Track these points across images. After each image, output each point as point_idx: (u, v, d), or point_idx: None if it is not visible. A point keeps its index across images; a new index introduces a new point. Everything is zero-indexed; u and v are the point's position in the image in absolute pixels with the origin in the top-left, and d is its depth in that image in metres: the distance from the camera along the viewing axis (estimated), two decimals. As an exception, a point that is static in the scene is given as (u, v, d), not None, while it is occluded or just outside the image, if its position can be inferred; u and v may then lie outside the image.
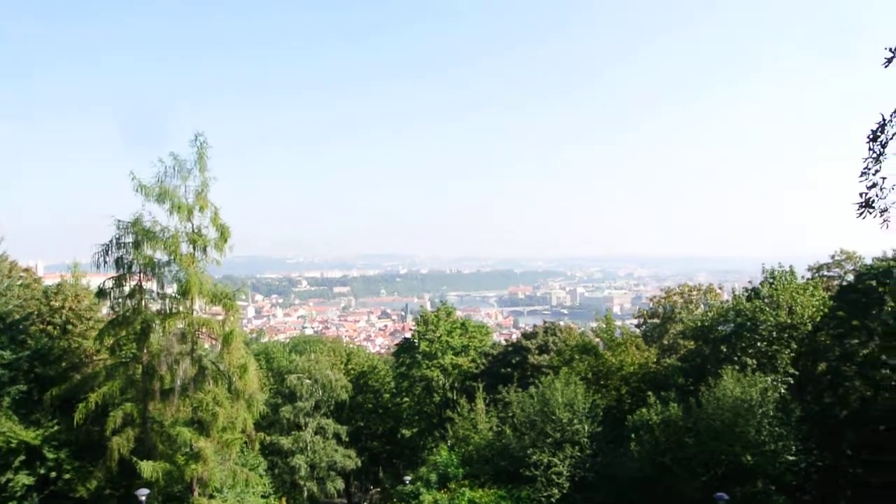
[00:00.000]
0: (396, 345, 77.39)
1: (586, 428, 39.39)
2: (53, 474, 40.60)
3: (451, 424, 48.88)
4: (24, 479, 39.59)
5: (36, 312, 46.13)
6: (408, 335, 72.82)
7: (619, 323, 61.18)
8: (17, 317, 43.70)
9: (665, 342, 55.73)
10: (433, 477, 41.52)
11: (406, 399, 66.30)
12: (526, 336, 62.13)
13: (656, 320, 59.18)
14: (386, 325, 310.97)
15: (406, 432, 65.32)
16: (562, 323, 67.18)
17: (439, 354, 63.31)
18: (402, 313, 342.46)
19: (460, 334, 65.82)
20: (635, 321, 63.84)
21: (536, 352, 56.94)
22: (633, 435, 38.55)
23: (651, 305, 61.72)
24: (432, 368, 62.64)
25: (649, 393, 41.05)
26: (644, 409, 39.42)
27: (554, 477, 37.81)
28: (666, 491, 35.97)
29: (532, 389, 42.71)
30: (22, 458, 39.85)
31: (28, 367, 42.51)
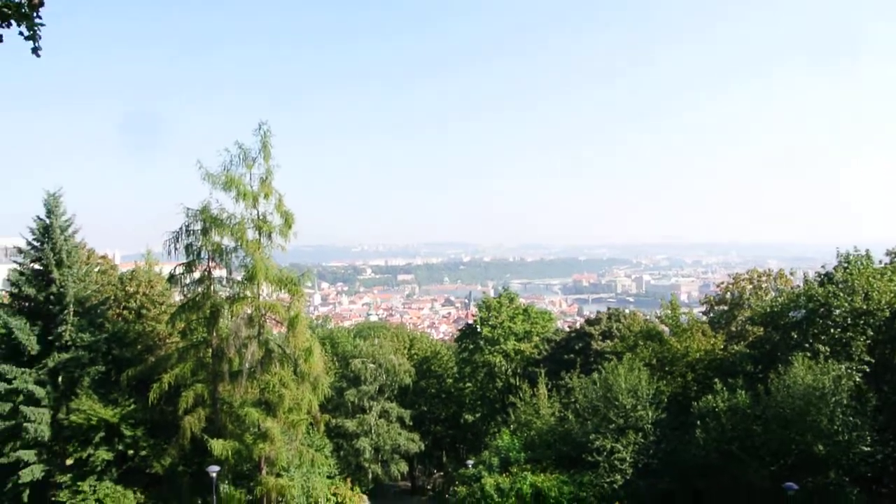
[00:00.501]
0: (459, 330, 77.72)
1: (650, 414, 38.92)
2: (131, 451, 42.51)
3: (513, 409, 48.99)
4: (103, 454, 41.60)
5: (112, 297, 48.15)
6: (471, 322, 73.09)
7: (685, 310, 60.10)
8: (95, 301, 45.67)
9: (733, 329, 54.42)
10: (495, 461, 41.72)
11: (469, 384, 66.67)
12: (589, 322, 61.66)
13: (724, 307, 57.82)
14: (449, 313, 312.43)
15: (469, 417, 65.73)
16: (626, 310, 66.38)
17: (502, 340, 63.39)
18: (466, 301, 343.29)
19: (523, 320, 65.73)
20: (702, 308, 62.59)
21: (600, 338, 56.49)
22: (698, 422, 37.87)
23: (719, 292, 60.24)
24: (495, 354, 62.79)
25: (716, 380, 40.21)
26: (710, 396, 38.65)
27: (617, 463, 37.53)
28: (733, 479, 35.29)
29: (595, 375, 42.41)
30: (102, 434, 41.85)
31: (106, 349, 44.51)
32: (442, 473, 68.60)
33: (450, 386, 69.11)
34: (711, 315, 57.71)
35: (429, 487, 69.98)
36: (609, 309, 65.01)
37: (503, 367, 62.30)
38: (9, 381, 41.79)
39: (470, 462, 45.01)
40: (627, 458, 37.58)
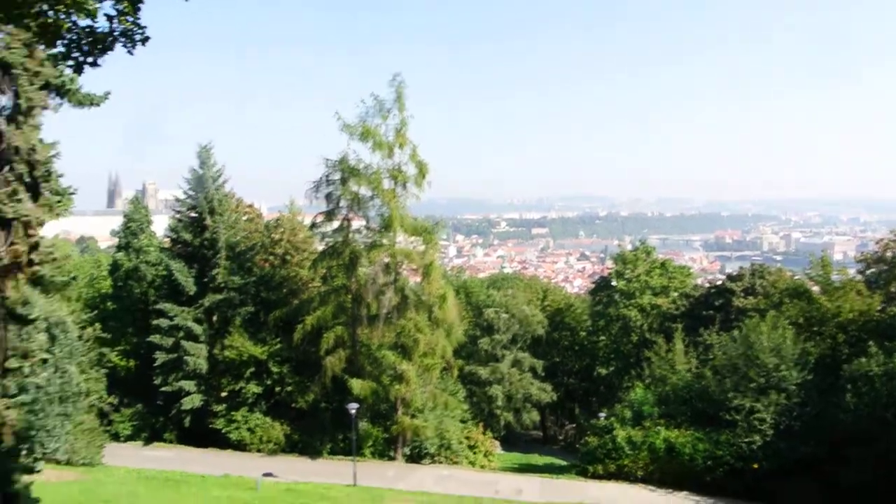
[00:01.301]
0: (593, 283, 76.67)
1: (794, 375, 37.01)
2: (278, 387, 45.52)
3: (647, 364, 48.10)
4: (253, 388, 44.85)
5: (259, 244, 51.09)
6: (606, 276, 71.89)
7: (838, 269, 56.20)
8: (243, 247, 48.72)
9: (892, 289, 50.45)
10: (628, 414, 41.28)
11: (602, 337, 65.91)
12: (731, 278, 59.06)
13: (883, 266, 53.56)
14: (584, 268, 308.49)
15: (601, 370, 65.15)
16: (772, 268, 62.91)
17: (637, 294, 62.03)
18: (601, 255, 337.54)
19: (660, 274, 63.90)
20: (858, 266, 58.26)
21: (742, 294, 54.03)
22: (849, 386, 35.56)
23: (878, 250, 55.75)
24: (630, 308, 61.59)
25: (870, 343, 37.50)
26: (864, 360, 36.07)
27: (756, 423, 36.09)
28: (888, 448, 33.03)
29: (735, 332, 40.75)
30: (252, 370, 45.06)
31: (254, 292, 47.54)
32: (574, 425, 68.62)
33: (583, 339, 68.61)
34: (868, 274, 53.68)
35: (560, 438, 70.38)
36: (753, 264, 61.92)
37: (638, 322, 61.06)
38: (171, 318, 45.63)
39: (602, 414, 44.77)
40: (768, 419, 36.02)
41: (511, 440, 60.30)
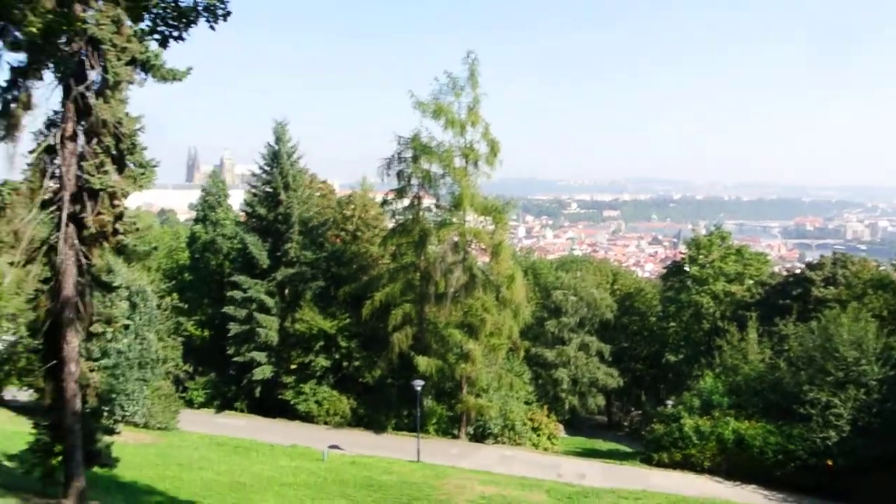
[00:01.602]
0: (665, 268, 75.09)
1: (876, 370, 35.46)
2: (345, 362, 46.33)
3: (719, 352, 46.94)
4: (322, 361, 45.80)
5: (331, 220, 51.87)
6: (678, 260, 70.32)
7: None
8: (316, 222, 49.57)
9: None
10: (696, 403, 40.46)
11: (672, 324, 64.58)
12: (811, 266, 56.98)
13: (984, 258, 50.83)
14: (656, 252, 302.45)
15: (671, 357, 63.88)
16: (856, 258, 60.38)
17: (711, 280, 60.46)
18: (674, 240, 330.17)
19: (735, 261, 62.07)
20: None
21: (822, 284, 52.07)
22: (935, 383, 34.03)
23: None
24: (702, 294, 60.12)
25: (960, 339, 35.71)
26: (952, 357, 34.45)
27: (832, 418, 34.78)
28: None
29: (813, 323, 39.33)
30: (321, 343, 45.99)
31: (325, 267, 48.38)
32: (640, 412, 67.62)
33: (652, 324, 67.39)
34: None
35: (625, 424, 69.48)
36: (835, 253, 59.57)
37: (710, 309, 59.56)
38: (244, 290, 46.88)
39: (669, 402, 44.03)
40: (845, 415, 34.66)
41: (575, 424, 59.93)
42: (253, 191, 50.50)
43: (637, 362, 68.03)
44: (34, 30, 10.74)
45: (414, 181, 44.18)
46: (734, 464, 36.30)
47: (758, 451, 35.49)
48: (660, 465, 38.45)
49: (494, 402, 43.94)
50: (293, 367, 46.77)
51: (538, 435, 45.10)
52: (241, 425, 44.63)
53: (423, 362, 41.85)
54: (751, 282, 60.28)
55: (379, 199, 50.30)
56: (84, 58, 14.76)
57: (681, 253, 73.39)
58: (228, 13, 8.86)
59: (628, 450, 48.00)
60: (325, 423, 45.29)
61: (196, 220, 59.69)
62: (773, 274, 63.95)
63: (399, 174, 44.09)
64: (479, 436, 44.38)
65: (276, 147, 48.50)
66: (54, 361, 17.13)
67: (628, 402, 73.12)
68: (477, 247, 44.55)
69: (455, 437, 44.36)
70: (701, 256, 62.30)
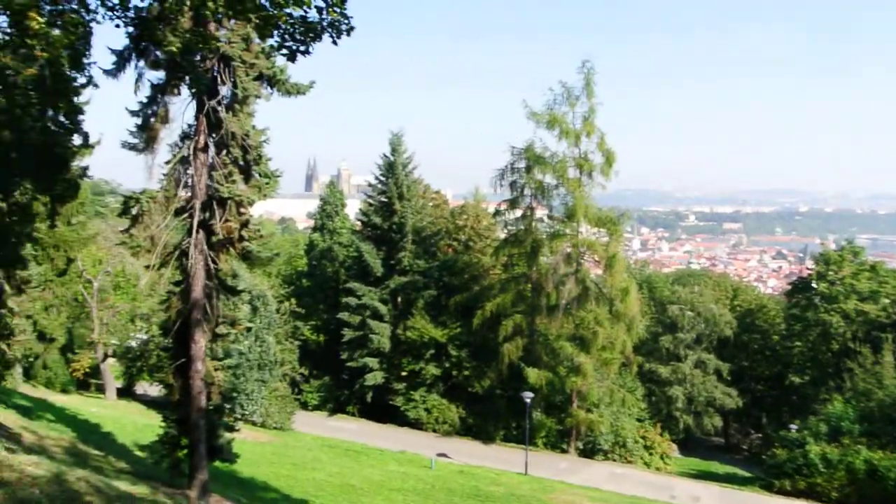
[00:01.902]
0: (790, 285, 71.41)
1: None
2: (455, 371, 46.64)
3: (849, 376, 44.33)
4: (432, 369, 46.33)
5: (444, 229, 52.51)
6: (805, 276, 66.73)
7: None
8: (429, 232, 50.32)
9: None
10: (823, 428, 38.27)
11: (797, 343, 61.25)
12: (956, 286, 52.85)
13: None
14: (780, 267, 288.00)
15: (795, 378, 60.59)
16: None
17: (841, 298, 56.95)
18: (800, 255, 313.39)
19: (868, 278, 58.22)
20: None
21: (969, 305, 48.21)
22: None
23: None
24: (831, 313, 56.70)
25: None
26: None
27: (979, 452, 32.15)
28: None
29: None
30: (431, 351, 46.55)
31: (437, 276, 48.96)
32: (760, 435, 64.52)
33: (775, 343, 64.13)
34: None
35: (744, 447, 66.44)
36: None
37: (840, 329, 56.08)
38: (359, 297, 48.10)
39: (793, 426, 41.80)
40: None
41: (690, 445, 57.83)
42: (369, 200, 51.82)
43: (758, 382, 64.92)
44: (174, 48, 11.45)
45: (527, 192, 44.17)
46: (865, 496, 33.93)
47: (893, 485, 33.08)
48: (781, 492, 36.53)
49: (605, 417, 43.07)
50: (404, 373, 47.53)
51: (650, 454, 43.83)
52: (352, 429, 45.71)
53: (533, 374, 41.58)
54: (887, 301, 56.38)
55: (491, 209, 50.52)
56: (216, 74, 15.67)
57: (808, 269, 69.50)
58: (352, 28, 9.19)
59: (747, 474, 45.90)
60: (434, 430, 45.71)
61: (314, 229, 61.86)
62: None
63: (512, 185, 44.21)
64: (589, 451, 43.60)
65: (392, 158, 49.61)
66: (183, 359, 18.11)
67: (747, 424, 69.89)
68: (590, 259, 43.94)
69: (564, 451, 43.77)
70: (830, 273, 58.81)
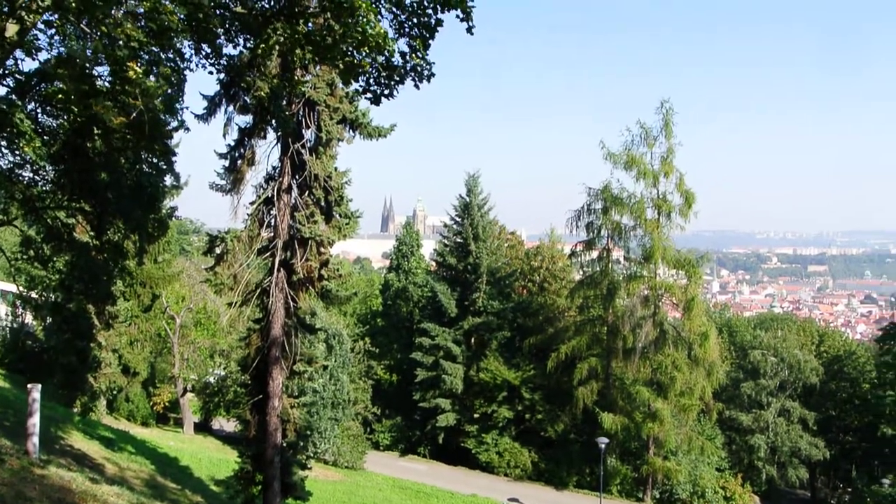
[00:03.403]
0: (881, 330, 68.08)
1: None
2: (528, 414, 45.98)
3: (948, 429, 41.65)
4: (505, 412, 45.79)
5: (519, 270, 52.34)
6: (897, 323, 63.56)
7: None
8: (504, 273, 50.21)
9: None
10: (920, 484, 35.98)
11: (890, 392, 57.78)
12: None
13: None
14: (871, 312, 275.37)
15: (887, 430, 57.26)
16: None
17: (937, 346, 54.02)
18: (892, 299, 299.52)
19: (968, 326, 55.13)
20: None
21: None
22: None
23: None
24: (927, 362, 53.79)
25: None
26: None
27: None
28: None
29: None
30: (504, 394, 46.07)
31: (512, 317, 48.66)
32: (849, 489, 61.13)
33: (866, 391, 60.88)
34: None
35: (832, 502, 63.07)
36: None
37: (937, 379, 53.12)
38: (432, 338, 48.14)
39: (886, 481, 39.44)
40: None
41: (773, 497, 55.25)
42: (444, 241, 52.15)
43: (847, 433, 61.71)
44: (263, 93, 11.88)
45: (603, 233, 43.69)
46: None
47: None
48: (875, 552, 34.40)
49: (683, 465, 41.61)
50: (476, 415, 47.10)
51: (731, 505, 42.06)
52: (423, 470, 45.43)
53: (608, 419, 40.58)
54: None
55: (567, 250, 50.10)
56: (301, 118, 16.18)
57: (900, 315, 66.24)
58: (433, 74, 9.38)
59: (836, 531, 43.48)
60: (506, 474, 44.99)
61: (389, 269, 62.51)
62: None
63: (588, 226, 43.80)
64: (665, 500, 42.18)
65: (468, 199, 49.93)
66: (260, 396, 18.43)
67: (835, 477, 66.34)
68: (668, 301, 42.91)
69: (639, 500, 42.40)
70: (925, 319, 55.89)
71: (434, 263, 55.02)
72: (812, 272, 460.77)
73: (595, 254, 44.52)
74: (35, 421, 11.62)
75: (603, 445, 36.58)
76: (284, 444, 19.24)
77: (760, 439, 52.69)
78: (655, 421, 39.83)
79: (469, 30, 9.27)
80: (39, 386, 11.83)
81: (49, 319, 31.98)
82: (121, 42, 9.98)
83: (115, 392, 39.42)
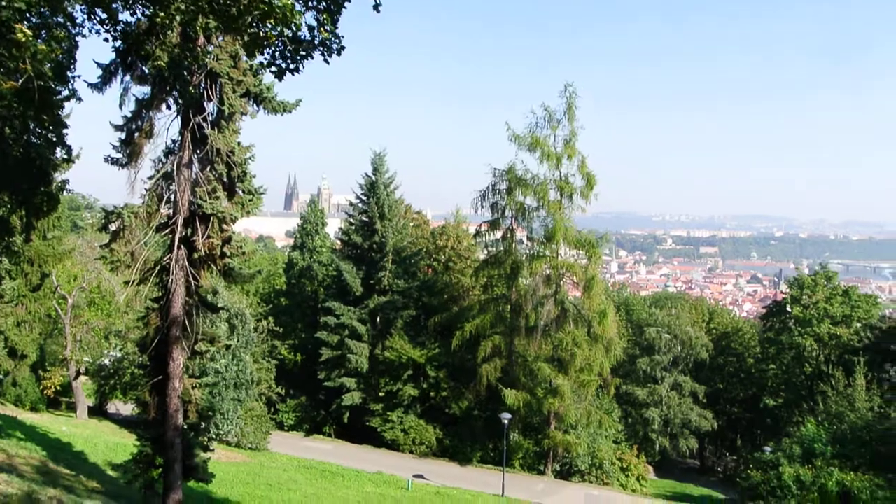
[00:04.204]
0: (765, 308, 72.15)
1: None
2: (433, 392, 46.43)
3: (822, 398, 44.75)
4: (410, 390, 46.09)
5: (424, 250, 52.50)
6: (780, 300, 67.46)
7: None
8: (409, 252, 50.29)
9: None
10: (797, 450, 38.50)
11: (772, 366, 61.82)
12: (926, 311, 53.69)
13: None
14: (756, 291, 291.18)
15: (769, 401, 61.07)
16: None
17: (814, 322, 57.63)
18: (775, 279, 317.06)
19: (841, 302, 59.01)
20: None
21: (939, 330, 48.96)
22: None
23: None
24: (805, 336, 57.34)
25: None
26: None
27: (953, 474, 32.52)
28: None
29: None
30: (409, 372, 46.34)
31: (417, 296, 48.91)
32: (735, 457, 64.88)
33: (750, 366, 64.67)
34: None
35: (719, 469, 66.76)
36: (954, 299, 55.88)
37: (813, 352, 56.73)
38: (337, 317, 47.83)
39: (767, 448, 42.05)
40: (964, 470, 32.37)
41: (665, 467, 57.98)
42: (349, 219, 51.74)
43: (733, 405, 65.39)
44: (162, 63, 11.45)
45: (507, 213, 44.38)
46: (838, 518, 34.26)
47: (865, 506, 33.40)
48: (756, 514, 36.67)
49: (582, 439, 43.10)
50: (381, 394, 47.22)
51: (627, 475, 43.92)
52: (328, 449, 45.28)
53: (510, 395, 41.51)
54: (858, 325, 57.15)
55: (472, 230, 50.66)
56: (203, 90, 15.68)
57: (782, 293, 70.41)
58: (343, 48, 9.27)
59: (721, 496, 46.13)
60: (411, 451, 45.40)
61: (293, 247, 61.58)
62: (884, 317, 60.44)
63: (493, 206, 44.40)
64: (566, 473, 43.57)
65: (374, 177, 49.64)
66: (160, 377, 17.91)
67: (722, 446, 70.30)
68: (569, 280, 44.12)
69: (541, 472, 43.66)
70: (804, 297, 59.56)
71: (339, 242, 54.59)
72: (704, 253, 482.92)
73: (499, 234, 45.20)
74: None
75: (506, 421, 37.47)
76: (186, 426, 18.78)
77: (655, 412, 55.04)
78: (556, 396, 41.00)
79: (376, 7, 9.22)
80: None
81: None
82: (3, 2, 9.42)
83: (1, 376, 37.40)
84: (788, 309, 60.56)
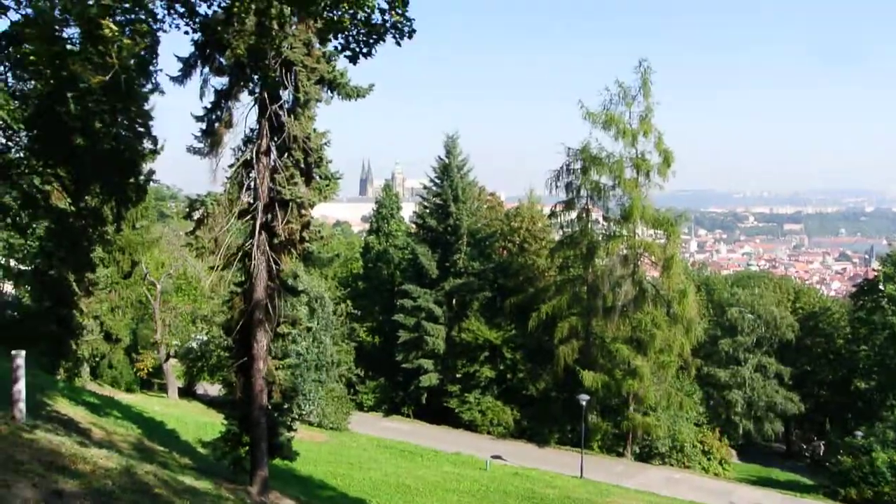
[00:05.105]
0: (855, 287, 69.24)
1: None
2: (510, 374, 46.56)
3: (920, 381, 42.82)
4: (487, 371, 46.39)
5: (499, 231, 52.46)
6: (871, 278, 64.62)
7: None
8: (484, 234, 50.41)
9: None
10: (891, 435, 37.10)
11: (863, 347, 59.35)
12: None
13: None
14: (844, 269, 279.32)
15: (860, 384, 58.74)
16: None
17: (911, 301, 55.12)
18: (866, 256, 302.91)
19: (940, 280, 56.21)
20: None
21: None
22: None
23: None
24: (900, 316, 54.88)
25: None
26: None
27: None
28: None
29: None
30: (486, 354, 46.61)
31: (492, 278, 49.05)
32: (823, 441, 62.65)
33: (840, 347, 62.24)
34: None
35: (806, 454, 64.65)
36: None
37: (909, 332, 54.27)
38: (414, 299, 48.41)
39: (859, 433, 40.57)
40: None
41: (749, 451, 56.55)
42: (424, 203, 52.13)
43: (821, 388, 63.11)
44: (240, 51, 11.73)
45: (583, 193, 43.91)
46: (935, 506, 32.83)
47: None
48: (846, 500, 35.57)
49: (662, 421, 42.44)
50: (458, 375, 47.62)
51: (709, 459, 43.06)
52: (406, 430, 45.97)
53: (588, 377, 41.22)
54: (958, 303, 54.33)
55: (546, 211, 50.33)
56: (278, 79, 15.99)
57: (874, 270, 67.34)
58: (413, 31, 9.33)
59: (809, 482, 44.66)
60: (488, 432, 45.69)
61: (369, 231, 62.49)
62: None
63: (567, 186, 43.99)
64: (645, 455, 43.07)
65: (447, 160, 49.82)
66: (245, 359, 18.48)
67: (810, 430, 67.98)
68: (647, 260, 43.41)
69: (620, 454, 43.30)
70: (899, 274, 56.92)
71: (414, 226, 55.06)
72: (788, 231, 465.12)
73: (574, 214, 44.77)
74: (20, 387, 11.65)
75: (584, 402, 37.22)
76: (270, 406, 19.34)
77: (737, 394, 53.75)
78: (635, 378, 40.52)
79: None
80: (23, 352, 11.84)
81: (29, 287, 31.71)
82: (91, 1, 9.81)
83: (98, 359, 39.29)
84: (881, 287, 57.97)
